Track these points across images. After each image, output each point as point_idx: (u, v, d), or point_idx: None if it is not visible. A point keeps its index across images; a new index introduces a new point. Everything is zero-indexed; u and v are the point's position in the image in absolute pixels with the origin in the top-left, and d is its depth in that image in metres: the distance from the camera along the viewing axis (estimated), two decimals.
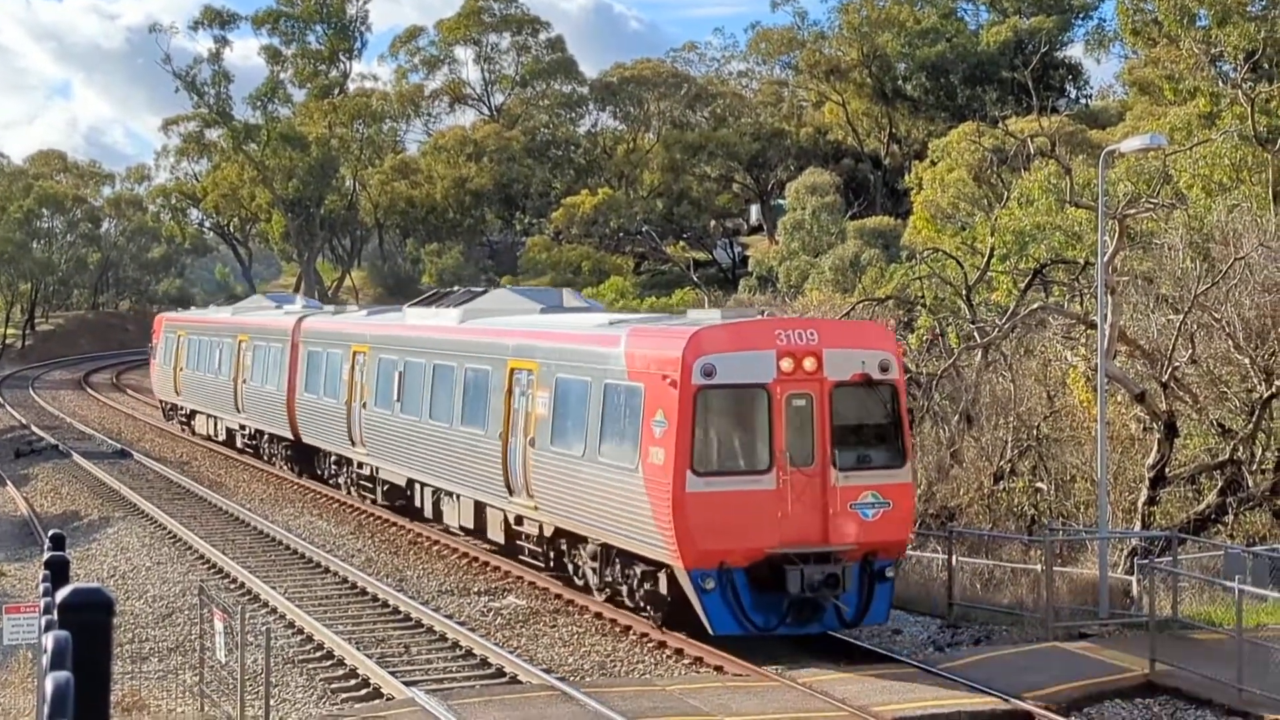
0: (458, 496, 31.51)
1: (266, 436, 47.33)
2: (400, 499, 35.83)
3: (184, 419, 58.96)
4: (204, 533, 35.14)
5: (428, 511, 33.71)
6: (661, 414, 22.88)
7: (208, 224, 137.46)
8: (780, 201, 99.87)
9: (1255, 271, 44.23)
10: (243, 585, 29.16)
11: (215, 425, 53.25)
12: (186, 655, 23.81)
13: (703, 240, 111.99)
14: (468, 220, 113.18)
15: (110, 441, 56.06)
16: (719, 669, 22.27)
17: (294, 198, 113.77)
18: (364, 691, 21.68)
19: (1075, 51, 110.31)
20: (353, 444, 38.20)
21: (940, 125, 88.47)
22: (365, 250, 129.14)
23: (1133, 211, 53.20)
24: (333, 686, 21.97)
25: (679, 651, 23.36)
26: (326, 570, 30.64)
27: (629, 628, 25.01)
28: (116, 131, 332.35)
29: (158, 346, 62.83)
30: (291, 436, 43.90)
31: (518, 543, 28.96)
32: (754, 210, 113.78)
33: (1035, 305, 50.62)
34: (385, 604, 27.28)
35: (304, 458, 43.78)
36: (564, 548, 27.03)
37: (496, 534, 29.79)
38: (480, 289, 36.88)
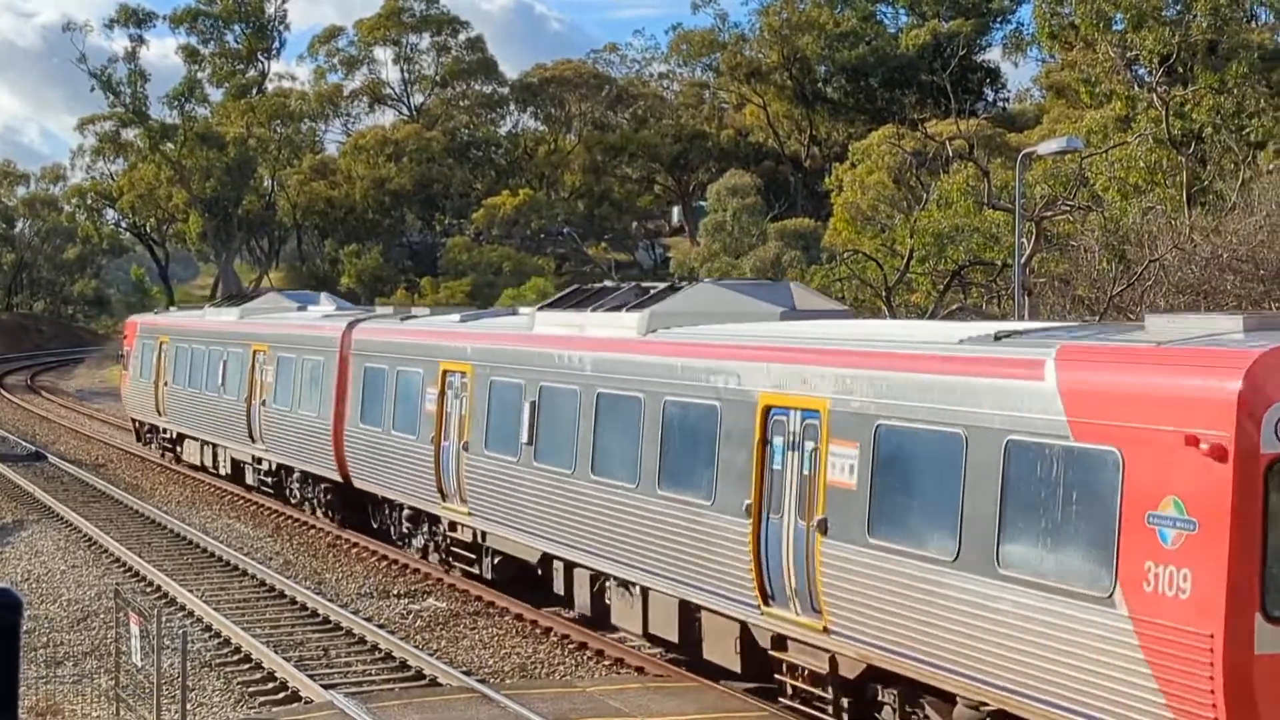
0: (645, 591, 21.80)
1: (296, 475, 37.20)
2: (522, 576, 26.47)
3: (166, 444, 48.68)
4: (120, 536, 34.75)
5: (580, 603, 24.06)
6: (1178, 506, 13.26)
7: (124, 224, 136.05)
8: (702, 203, 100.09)
9: (1170, 273, 44.74)
10: (159, 588, 28.85)
11: (216, 455, 42.93)
12: (102, 659, 23.52)
13: (624, 241, 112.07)
14: (387, 221, 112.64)
15: (24, 444, 55.35)
16: (640, 670, 22.24)
17: (211, 198, 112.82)
18: (282, 695, 21.49)
19: (993, 55, 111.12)
20: (443, 497, 28.03)
21: (860, 127, 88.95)
22: (284, 251, 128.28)
23: (1050, 214, 53.77)
24: (250, 690, 21.77)
25: (600, 653, 23.31)
26: (244, 573, 30.37)
27: (549, 629, 24.94)
28: (31, 131, 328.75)
29: (131, 356, 52.77)
30: (337, 478, 33.89)
31: (778, 676, 19.32)
32: (675, 211, 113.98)
33: (954, 307, 50.98)
34: (304, 607, 27.07)
35: (353, 505, 33.95)
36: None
37: (729, 658, 20.26)
38: (670, 284, 25.20)
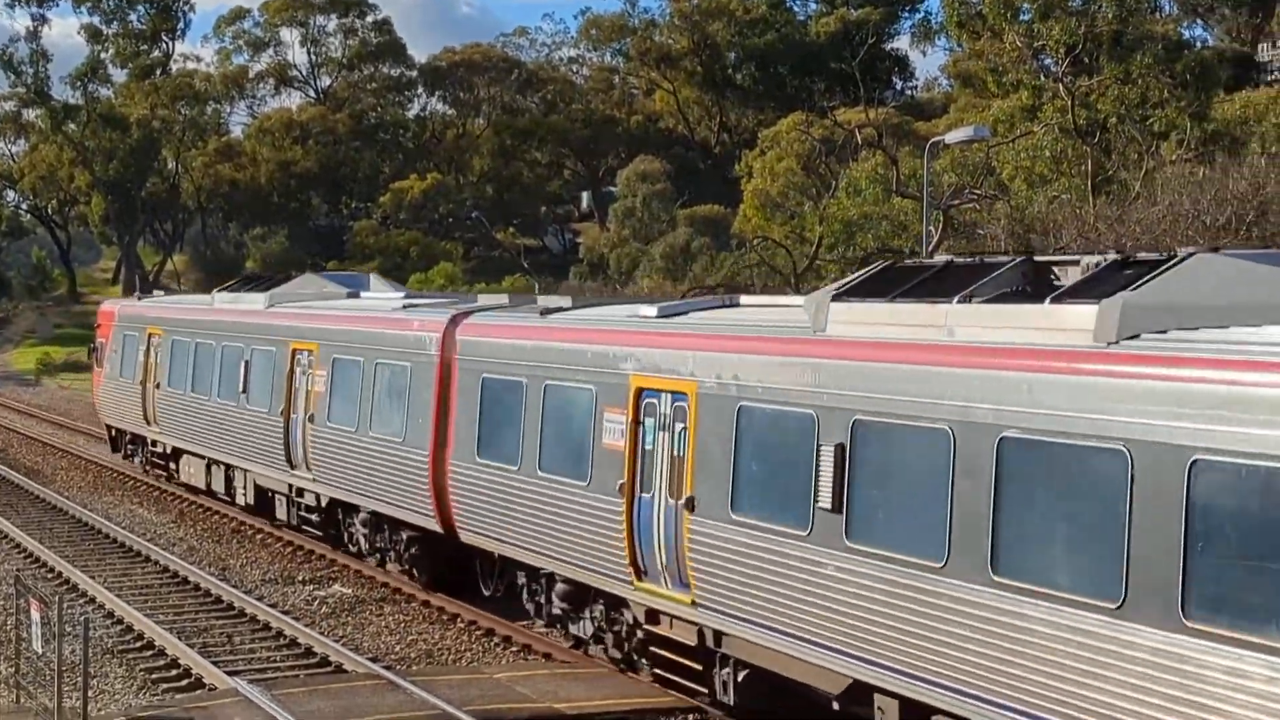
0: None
1: (363, 516, 28.10)
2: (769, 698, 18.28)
3: (156, 460, 39.70)
4: (20, 521, 34.22)
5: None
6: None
7: (24, 206, 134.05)
8: (611, 188, 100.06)
9: None
10: (61, 575, 28.43)
11: (231, 480, 34.13)
12: (1, 647, 23.15)
13: (533, 227, 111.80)
14: (293, 204, 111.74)
15: None
16: (547, 656, 22.17)
17: (114, 180, 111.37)
18: (185, 682, 21.23)
19: (902, 44, 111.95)
20: (640, 574, 19.19)
21: (770, 115, 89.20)
22: (188, 234, 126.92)
23: (957, 202, 54.19)
24: (153, 677, 21.49)
25: (507, 639, 23.22)
26: (147, 559, 30.00)
27: (456, 616, 24.82)
28: None
29: (107, 349, 42.93)
30: (434, 526, 25.02)
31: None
32: (585, 197, 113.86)
33: None
34: (208, 593, 26.78)
35: (457, 565, 25.47)
36: None
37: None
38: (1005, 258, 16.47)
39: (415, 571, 26.69)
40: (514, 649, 22.83)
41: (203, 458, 35.52)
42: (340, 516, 29.18)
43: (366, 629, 24.30)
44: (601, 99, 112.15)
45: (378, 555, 28.01)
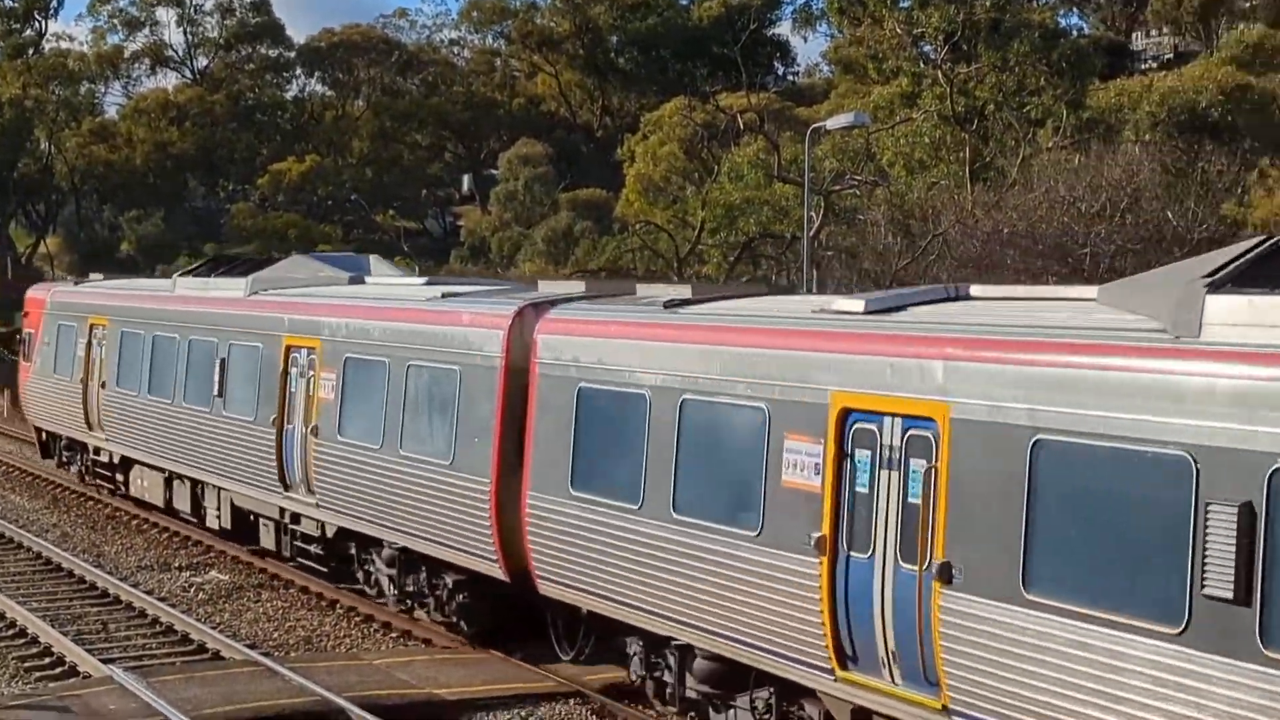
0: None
1: (389, 554, 22.86)
2: None
3: (100, 470, 34.25)
4: None
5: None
6: None
7: None
8: (493, 172, 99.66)
9: (953, 247, 45.65)
10: None
11: (201, 498, 29.07)
12: None
13: (414, 209, 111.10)
14: (170, 186, 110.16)
15: None
16: (428, 642, 22.04)
17: None
18: (59, 670, 20.89)
19: (784, 29, 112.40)
20: (843, 659, 14.62)
21: (652, 99, 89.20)
22: (61, 216, 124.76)
23: (838, 188, 54.54)
24: (26, 665, 21.10)
25: (386, 625, 23.05)
26: (20, 546, 29.45)
27: (335, 602, 24.60)
28: None
29: (37, 341, 37.61)
30: (496, 573, 20.22)
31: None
32: (466, 180, 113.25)
33: (745, 279, 51.38)
34: (82, 580, 26.35)
35: (520, 617, 20.93)
36: None
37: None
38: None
39: (463, 623, 21.59)
40: (394, 635, 22.67)
41: (161, 471, 30.30)
42: (353, 550, 23.94)
43: (244, 615, 24.03)
44: (483, 82, 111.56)
45: (407, 602, 22.86)
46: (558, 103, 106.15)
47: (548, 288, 21.69)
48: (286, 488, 25.02)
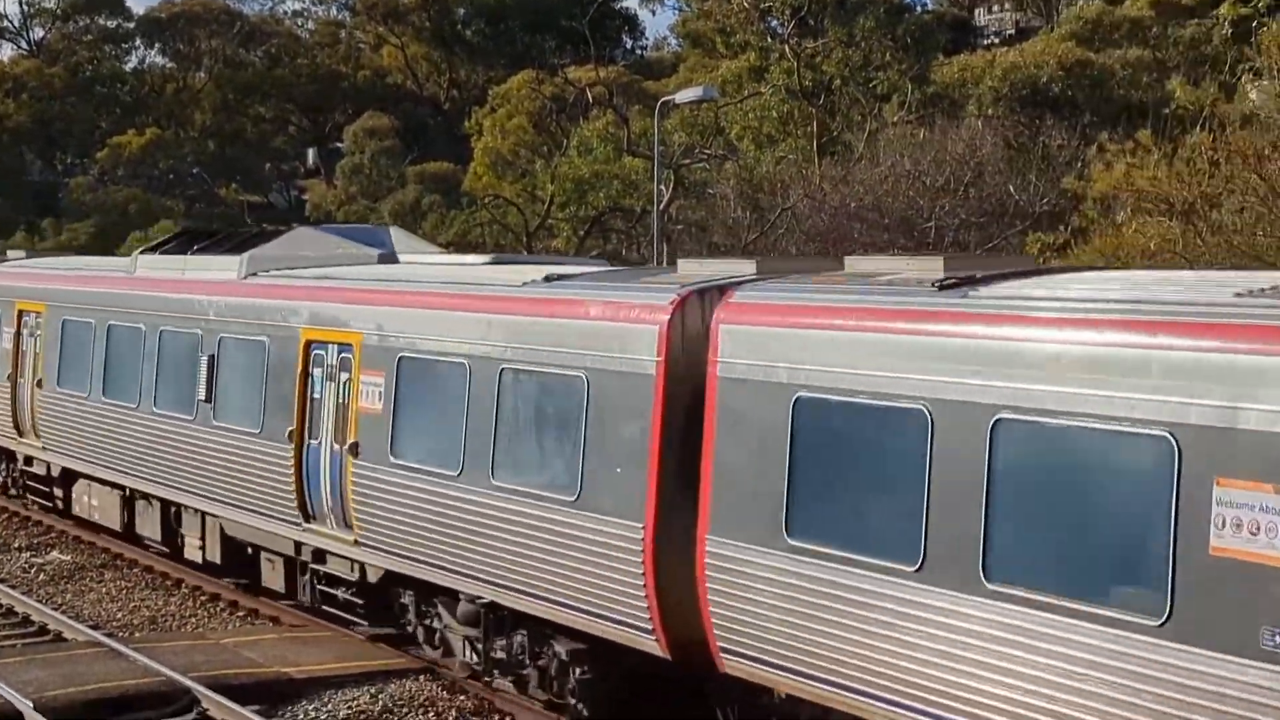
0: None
1: (465, 608, 18.05)
2: None
3: (33, 481, 29.38)
4: None
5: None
6: None
7: None
8: (338, 145, 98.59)
9: (801, 221, 45.95)
10: None
11: (180, 525, 24.14)
12: None
13: (258, 183, 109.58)
14: (6, 160, 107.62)
15: None
16: (275, 620, 21.77)
17: None
18: None
19: (631, 2, 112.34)
20: None
21: (500, 72, 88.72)
22: None
23: (687, 162, 54.68)
24: None
25: (234, 604, 22.72)
26: None
27: (180, 581, 24.20)
28: None
29: None
30: (655, 648, 15.26)
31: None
32: (311, 153, 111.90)
33: (595, 253, 51.37)
34: None
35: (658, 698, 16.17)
36: None
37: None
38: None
39: (581, 705, 16.40)
40: (241, 614, 22.35)
41: (118, 489, 25.58)
42: (410, 601, 19.13)
43: (87, 596, 23.55)
44: (327, 54, 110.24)
45: (494, 672, 17.80)
46: (404, 75, 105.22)
47: (694, 267, 16.39)
48: (308, 518, 20.14)
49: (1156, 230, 35.48)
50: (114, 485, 25.80)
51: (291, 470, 20.25)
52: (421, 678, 18.63)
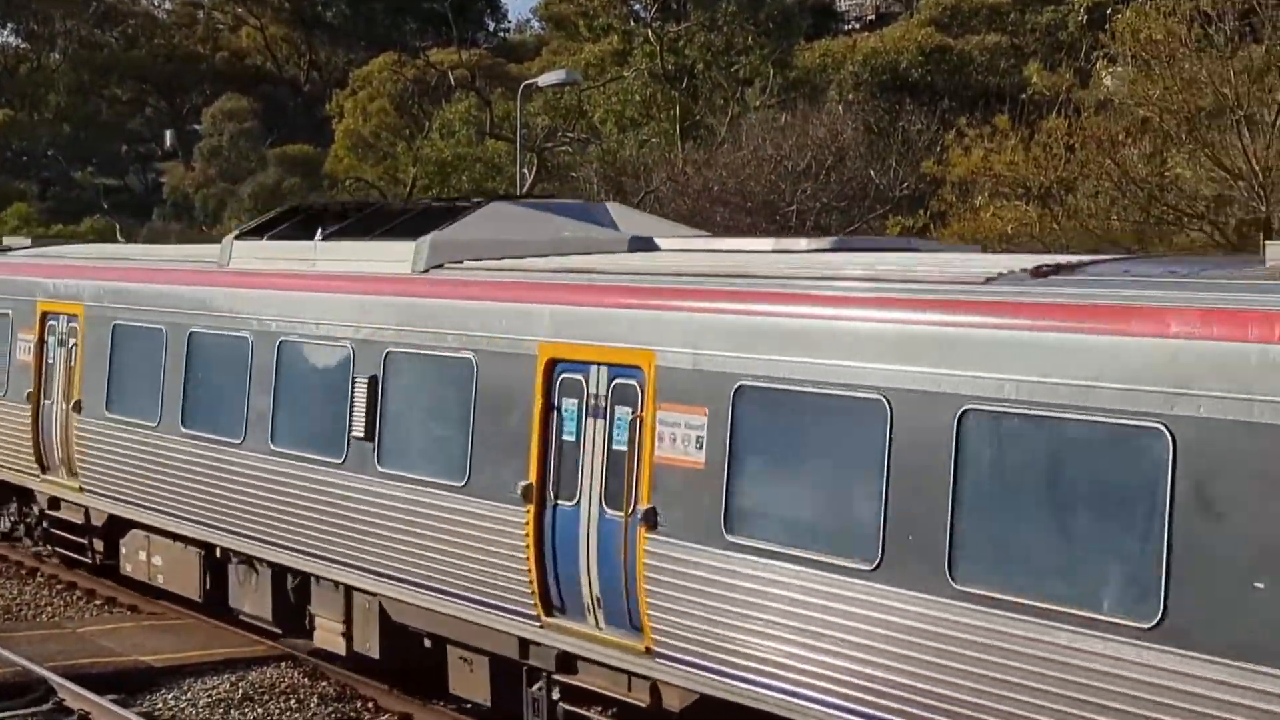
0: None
1: None
2: None
3: (64, 530, 23.03)
4: None
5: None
6: None
7: None
8: (196, 127, 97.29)
9: (664, 204, 46.04)
10: None
11: (310, 599, 18.05)
12: None
13: (114, 165, 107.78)
14: None
15: None
16: (134, 609, 21.47)
17: None
18: None
19: None
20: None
21: (362, 54, 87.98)
22: None
23: (550, 145, 54.56)
24: None
25: (90, 593, 22.37)
26: None
27: (35, 570, 23.78)
28: None
29: None
30: None
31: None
32: (169, 135, 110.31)
33: None
34: None
35: None
36: None
37: None
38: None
39: None
40: (98, 603, 22.02)
41: (199, 546, 19.77)
42: None
43: None
44: (185, 35, 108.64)
45: None
46: (263, 57, 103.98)
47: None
48: (551, 610, 14.44)
49: (1013, 214, 36.03)
50: (191, 541, 19.82)
51: (526, 541, 14.42)
52: (283, 664, 18.47)
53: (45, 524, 23.59)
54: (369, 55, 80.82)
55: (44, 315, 23.01)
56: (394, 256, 16.91)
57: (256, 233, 20.02)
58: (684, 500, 13.02)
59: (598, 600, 13.91)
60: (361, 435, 16.52)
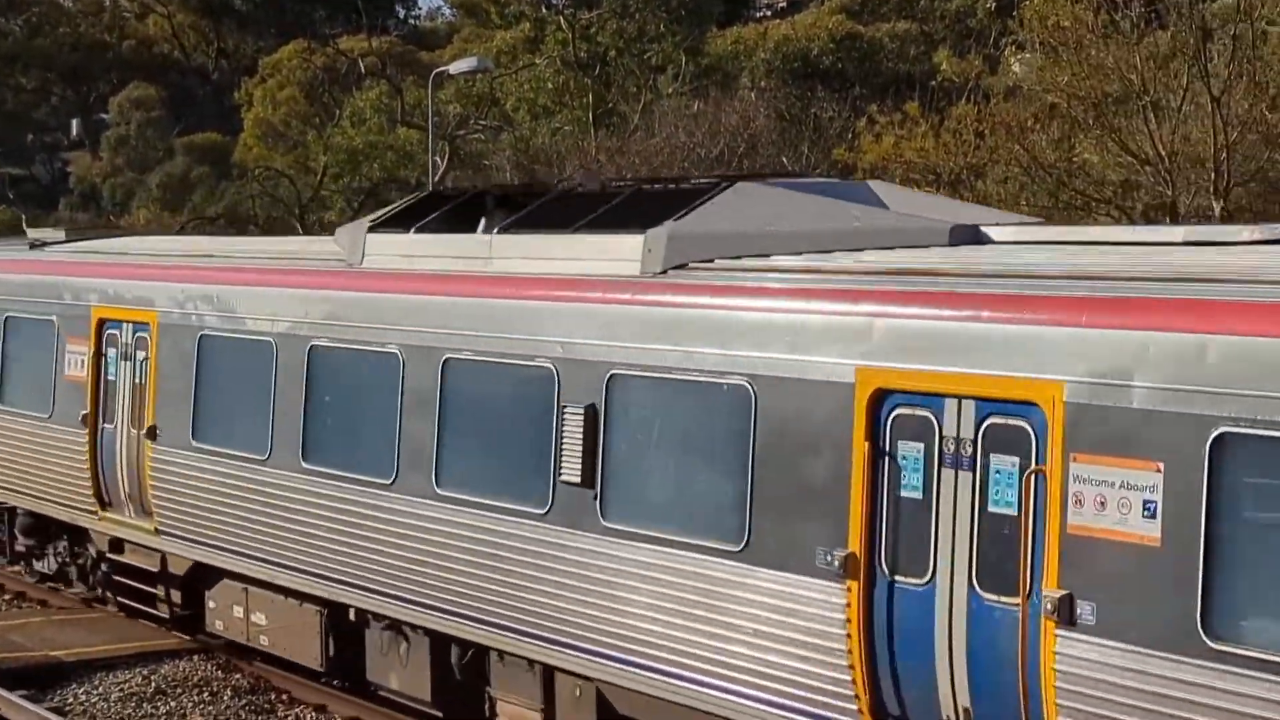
0: None
1: None
2: None
3: (124, 576, 19.57)
4: None
5: None
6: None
7: None
8: (103, 116, 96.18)
9: None
10: None
11: (490, 681, 14.54)
12: None
13: (19, 155, 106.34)
14: None
15: None
16: (43, 604, 21.23)
17: None
18: None
19: None
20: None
21: (271, 42, 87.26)
22: None
23: (462, 133, 54.31)
24: None
25: (0, 587, 22.11)
26: None
27: None
28: None
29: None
30: None
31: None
32: (75, 124, 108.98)
33: None
34: None
35: None
36: None
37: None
38: None
39: None
40: (7, 597, 21.75)
41: (320, 603, 16.24)
42: None
43: None
44: (91, 22, 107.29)
45: None
46: (171, 45, 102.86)
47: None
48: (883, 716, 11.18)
49: None
50: (307, 597, 16.42)
51: (844, 621, 11.10)
52: (195, 657, 18.33)
53: (104, 568, 19.98)
54: (278, 43, 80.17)
55: (101, 323, 19.26)
56: (613, 254, 13.33)
57: (396, 224, 16.03)
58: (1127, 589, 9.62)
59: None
60: (576, 480, 13.02)
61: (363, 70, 58.28)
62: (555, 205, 14.93)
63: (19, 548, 21.95)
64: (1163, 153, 32.41)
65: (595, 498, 12.92)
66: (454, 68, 41.36)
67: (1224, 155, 31.43)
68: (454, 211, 15.73)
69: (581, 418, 13.00)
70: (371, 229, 16.18)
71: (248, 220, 50.53)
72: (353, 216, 53.24)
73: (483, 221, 15.22)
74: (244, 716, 16.55)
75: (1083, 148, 34.92)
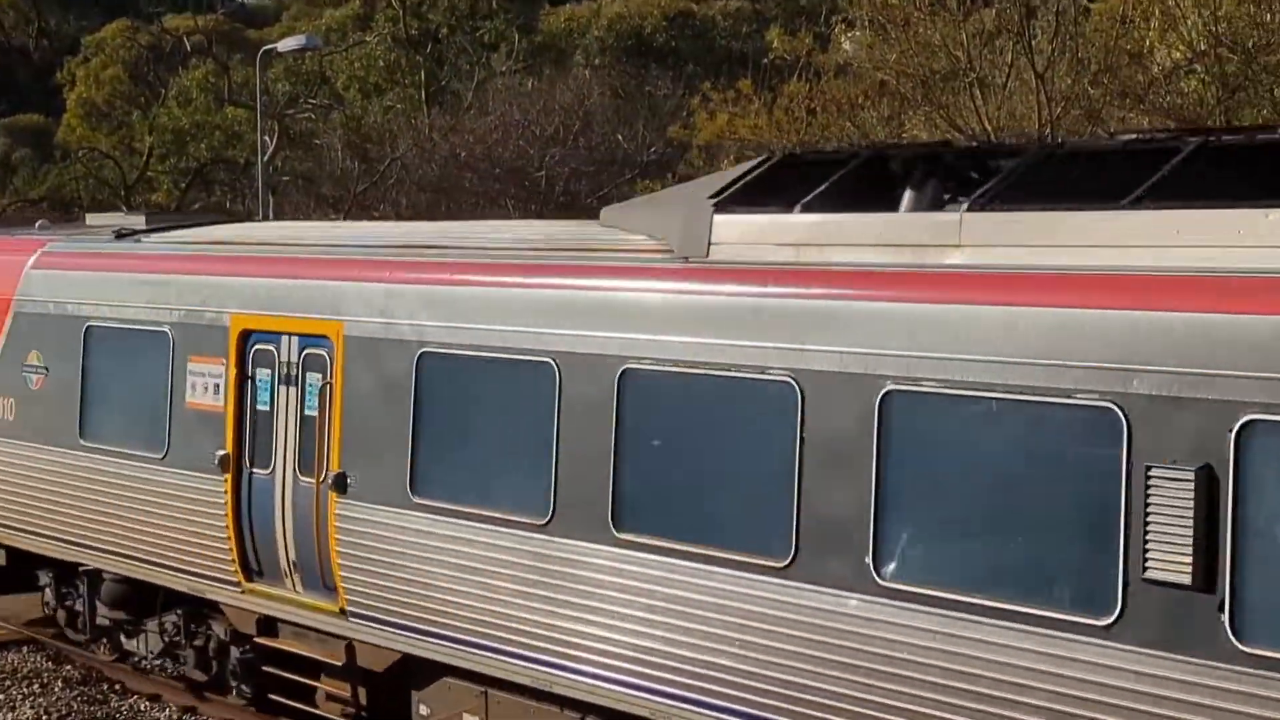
0: None
1: None
2: None
3: (272, 658, 14.79)
4: None
5: None
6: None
7: None
8: None
9: (411, 171, 45.64)
10: None
11: None
12: None
13: None
14: None
15: None
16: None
17: None
18: None
19: None
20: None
21: (94, 20, 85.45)
22: None
23: (292, 112, 53.60)
24: None
25: None
26: None
27: None
28: None
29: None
30: None
31: None
32: None
33: (197, 205, 50.02)
34: None
35: None
36: None
37: None
38: None
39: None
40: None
41: (584, 709, 11.95)
42: None
43: None
44: None
45: None
46: None
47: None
48: None
49: None
50: (566, 702, 12.06)
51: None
52: (25, 649, 17.94)
53: (238, 653, 15.31)
54: (102, 21, 78.51)
55: (246, 336, 14.70)
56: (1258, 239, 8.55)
57: (755, 201, 11.34)
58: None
59: None
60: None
61: (189, 49, 57.27)
62: (1051, 168, 10.39)
63: (101, 620, 16.70)
64: (989, 128, 32.88)
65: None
66: (282, 45, 40.72)
67: (1048, 130, 31.98)
68: (847, 181, 11.07)
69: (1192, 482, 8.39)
70: (716, 209, 11.29)
71: (72, 203, 49.46)
72: (180, 198, 52.39)
73: (909, 196, 10.74)
74: (75, 707, 16.22)
75: (911, 124, 35.33)
